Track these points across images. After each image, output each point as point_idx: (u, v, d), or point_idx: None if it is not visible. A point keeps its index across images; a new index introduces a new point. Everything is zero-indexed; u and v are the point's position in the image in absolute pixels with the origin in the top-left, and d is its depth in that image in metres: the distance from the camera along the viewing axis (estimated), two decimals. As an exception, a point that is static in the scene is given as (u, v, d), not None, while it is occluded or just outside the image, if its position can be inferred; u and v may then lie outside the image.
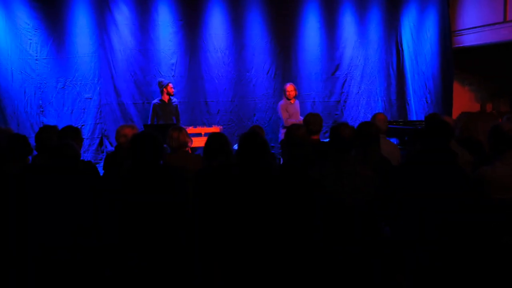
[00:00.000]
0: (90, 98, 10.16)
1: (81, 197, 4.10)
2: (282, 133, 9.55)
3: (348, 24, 11.61)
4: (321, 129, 6.09)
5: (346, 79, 11.68)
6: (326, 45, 11.52)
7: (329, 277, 3.90)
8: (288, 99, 9.89)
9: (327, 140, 5.92)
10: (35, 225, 4.00)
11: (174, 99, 9.86)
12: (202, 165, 4.88)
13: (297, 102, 10.09)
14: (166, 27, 10.53)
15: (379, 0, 11.76)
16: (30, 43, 9.79)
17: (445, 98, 11.92)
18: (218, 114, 10.96)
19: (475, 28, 11.55)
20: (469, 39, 11.81)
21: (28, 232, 4.00)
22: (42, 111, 9.91)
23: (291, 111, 9.82)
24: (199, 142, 8.54)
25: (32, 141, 5.47)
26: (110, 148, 9.97)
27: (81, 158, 4.75)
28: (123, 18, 10.29)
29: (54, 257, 3.95)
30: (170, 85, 9.70)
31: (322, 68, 11.52)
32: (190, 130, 8.91)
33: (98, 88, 10.18)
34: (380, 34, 11.83)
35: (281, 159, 6.77)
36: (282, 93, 10.32)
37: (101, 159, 10.00)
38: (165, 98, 9.68)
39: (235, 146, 4.32)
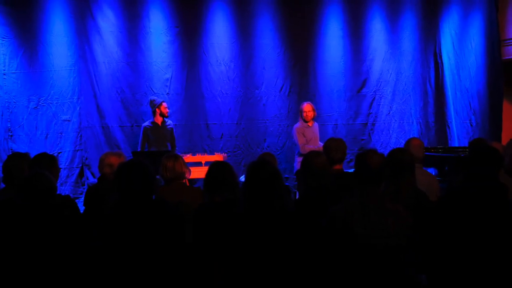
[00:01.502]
0: (69, 120, 10.14)
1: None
2: (298, 162, 9.56)
3: (377, 32, 11.65)
4: (345, 157, 6.09)
5: (374, 98, 11.69)
6: (350, 57, 11.55)
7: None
8: (305, 122, 9.92)
9: (351, 170, 5.93)
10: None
11: (168, 122, 9.89)
12: (202, 200, 4.90)
13: (315, 125, 10.13)
14: (159, 35, 10.54)
15: (414, 4, 11.79)
16: (-3, 54, 9.79)
17: (493, 120, 11.96)
18: (221, 140, 10.94)
19: (529, 37, 11.60)
20: (522, 50, 11.87)
21: None
22: (11, 135, 9.86)
23: (309, 136, 9.85)
24: (198, 173, 8.56)
25: (-2, 171, 5.52)
26: (92, 180, 9.97)
27: (58, 192, 4.78)
28: (108, 25, 10.30)
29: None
30: (164, 104, 9.72)
31: (345, 85, 11.54)
32: (188, 158, 8.94)
33: (78, 108, 10.16)
34: (415, 44, 11.87)
35: (297, 193, 6.79)
36: (298, 114, 10.33)
37: (81, 193, 9.97)
38: (158, 120, 9.72)
39: (242, 178, 4.34)
